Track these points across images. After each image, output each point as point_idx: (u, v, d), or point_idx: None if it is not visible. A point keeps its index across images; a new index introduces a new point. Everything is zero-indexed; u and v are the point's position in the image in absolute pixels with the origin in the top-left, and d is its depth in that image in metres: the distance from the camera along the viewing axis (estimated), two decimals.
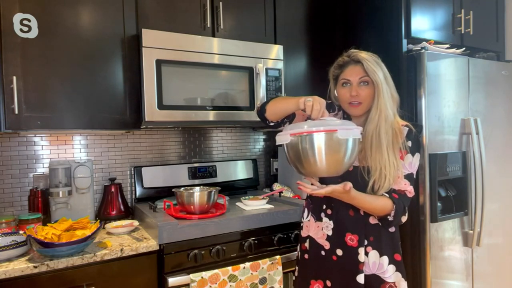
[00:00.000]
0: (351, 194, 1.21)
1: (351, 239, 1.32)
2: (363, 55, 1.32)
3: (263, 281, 1.65)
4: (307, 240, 1.44)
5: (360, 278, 1.29)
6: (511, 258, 2.32)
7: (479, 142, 2.06)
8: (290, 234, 1.81)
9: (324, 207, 1.39)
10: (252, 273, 1.63)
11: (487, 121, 2.17)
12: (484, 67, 2.18)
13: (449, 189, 2.06)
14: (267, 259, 1.67)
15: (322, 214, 1.39)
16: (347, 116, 1.43)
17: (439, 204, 1.98)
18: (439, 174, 1.94)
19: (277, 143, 1.24)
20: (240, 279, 1.60)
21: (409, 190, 1.31)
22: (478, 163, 2.06)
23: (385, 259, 1.31)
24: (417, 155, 1.34)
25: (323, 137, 1.13)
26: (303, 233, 1.47)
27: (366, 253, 1.31)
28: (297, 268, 1.51)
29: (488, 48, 2.43)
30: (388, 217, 1.27)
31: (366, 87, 1.32)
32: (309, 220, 1.45)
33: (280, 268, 1.69)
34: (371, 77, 1.29)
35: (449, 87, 2.01)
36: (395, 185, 1.30)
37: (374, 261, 1.31)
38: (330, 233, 1.36)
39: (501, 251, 2.26)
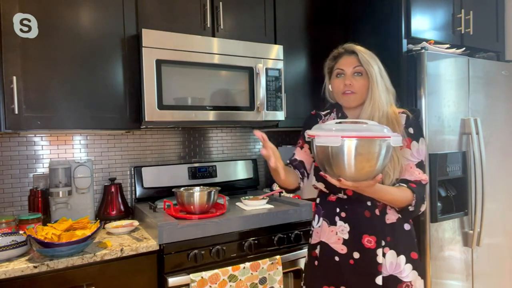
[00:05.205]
0: (376, 186, 1.15)
1: (368, 240, 1.28)
2: (358, 47, 1.34)
3: (263, 281, 1.65)
4: (318, 247, 1.39)
5: (379, 280, 1.26)
6: (511, 258, 2.32)
7: (479, 142, 2.06)
8: (290, 234, 1.81)
9: (338, 210, 1.35)
10: (252, 273, 1.63)
11: (487, 121, 2.17)
12: (484, 67, 2.18)
13: (449, 189, 2.06)
14: (267, 259, 1.67)
15: (337, 218, 1.35)
16: (341, 116, 1.42)
17: (439, 204, 1.97)
18: (439, 174, 1.94)
19: (318, 144, 1.06)
20: (240, 279, 1.59)
21: (424, 179, 1.28)
22: (478, 163, 2.06)
23: (402, 258, 1.29)
24: (422, 140, 1.32)
25: (368, 143, 1.01)
26: (313, 240, 1.43)
27: (384, 254, 1.28)
28: (304, 275, 1.49)
29: (488, 48, 2.43)
30: (409, 207, 1.25)
31: (360, 77, 1.32)
32: (320, 226, 1.40)
33: (280, 268, 1.69)
34: (365, 68, 1.30)
35: (449, 87, 2.01)
36: (410, 176, 1.27)
37: (391, 262, 1.29)
38: (346, 236, 1.32)
39: (501, 251, 2.26)
